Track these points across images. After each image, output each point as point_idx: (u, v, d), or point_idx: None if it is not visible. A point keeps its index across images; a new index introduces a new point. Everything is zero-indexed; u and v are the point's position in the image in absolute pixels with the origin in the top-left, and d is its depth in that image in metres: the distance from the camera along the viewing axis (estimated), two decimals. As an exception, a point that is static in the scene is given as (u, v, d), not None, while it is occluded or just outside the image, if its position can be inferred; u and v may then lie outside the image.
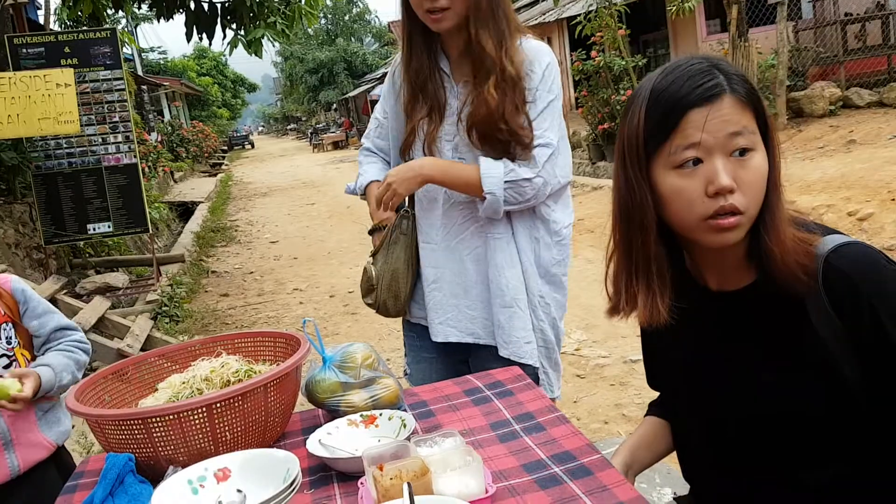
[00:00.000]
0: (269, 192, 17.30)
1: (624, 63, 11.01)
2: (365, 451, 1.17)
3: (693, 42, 14.47)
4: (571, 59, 12.74)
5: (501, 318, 1.90)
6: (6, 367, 1.79)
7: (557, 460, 1.24)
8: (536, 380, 1.94)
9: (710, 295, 1.23)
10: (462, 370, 1.93)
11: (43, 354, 1.90)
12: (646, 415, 1.51)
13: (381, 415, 1.42)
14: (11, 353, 1.82)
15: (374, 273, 1.99)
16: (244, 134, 49.86)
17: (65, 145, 6.36)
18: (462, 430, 1.40)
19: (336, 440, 1.37)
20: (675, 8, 10.51)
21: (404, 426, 1.36)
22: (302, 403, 1.55)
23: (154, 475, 1.32)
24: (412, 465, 1.11)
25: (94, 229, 6.61)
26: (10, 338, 1.82)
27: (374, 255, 2.02)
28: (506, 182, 1.79)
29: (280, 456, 1.24)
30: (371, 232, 2.07)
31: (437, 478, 1.10)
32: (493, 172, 1.80)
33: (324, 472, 1.31)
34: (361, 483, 1.19)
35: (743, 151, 1.08)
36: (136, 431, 1.32)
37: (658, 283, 1.19)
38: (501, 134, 1.81)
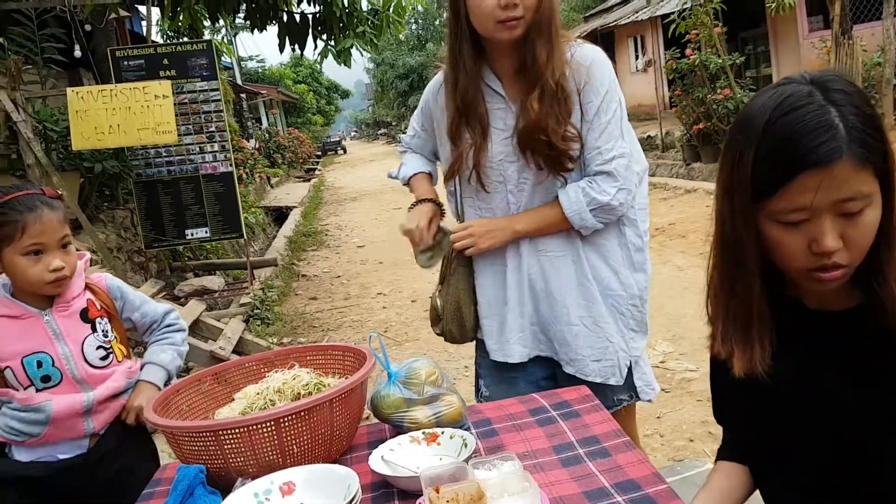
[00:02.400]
0: (358, 197, 17.66)
1: (720, 61, 10.64)
2: (423, 471, 1.18)
3: (794, 40, 13.84)
4: (665, 58, 12.43)
5: (567, 336, 1.89)
6: (103, 358, 1.89)
7: (621, 489, 1.21)
8: (609, 396, 1.91)
9: (808, 313, 1.18)
10: (547, 387, 1.91)
11: (148, 340, 2.06)
12: (716, 460, 1.43)
13: (443, 433, 1.42)
14: (109, 346, 1.92)
15: (439, 304, 2.03)
16: (337, 139, 51.05)
17: (164, 154, 6.68)
18: (524, 451, 1.38)
19: (398, 457, 1.38)
20: (774, 4, 10.08)
21: (465, 445, 1.36)
22: (370, 416, 1.57)
23: (225, 486, 1.36)
24: (468, 488, 1.10)
25: (192, 234, 6.91)
26: (107, 331, 1.92)
27: (439, 284, 2.05)
28: (591, 210, 1.81)
29: (341, 472, 1.26)
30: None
31: (493, 503, 1.09)
32: (575, 207, 1.81)
33: (386, 489, 1.32)
34: (420, 503, 1.19)
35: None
36: (209, 443, 1.37)
37: (758, 335, 1.14)
38: (543, 146, 1.79)
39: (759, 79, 15.29)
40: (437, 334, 2.07)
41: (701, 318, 1.26)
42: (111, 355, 1.92)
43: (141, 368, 2.00)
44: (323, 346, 1.79)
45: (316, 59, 8.00)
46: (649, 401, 1.98)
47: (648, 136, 14.15)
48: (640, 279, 1.92)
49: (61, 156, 6.03)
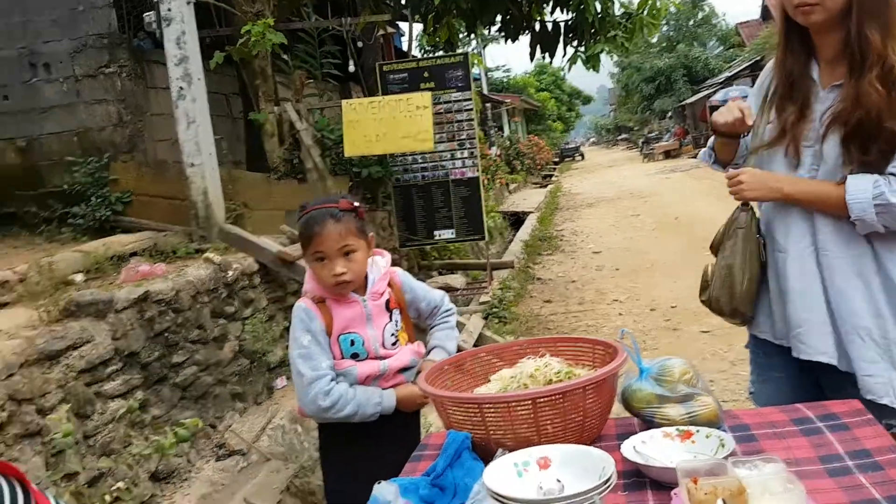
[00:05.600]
0: (594, 203, 17.55)
1: None
2: (680, 462, 1.20)
3: None
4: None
5: (844, 340, 1.79)
6: (393, 344, 2.14)
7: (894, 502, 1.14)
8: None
9: None
10: (815, 394, 1.83)
11: (430, 327, 2.29)
12: None
13: (697, 431, 1.42)
14: (396, 334, 2.16)
15: (709, 270, 2.00)
16: (575, 146, 50.98)
17: (420, 160, 7.19)
18: (786, 458, 1.34)
19: (650, 449, 1.41)
20: None
21: (722, 446, 1.35)
22: (617, 411, 1.62)
23: (484, 455, 1.48)
24: (728, 483, 1.11)
25: (440, 235, 7.37)
26: (398, 321, 2.17)
27: (714, 250, 2.03)
28: (876, 205, 1.69)
29: (597, 454, 1.32)
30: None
31: (754, 500, 1.08)
32: (860, 196, 1.71)
33: (638, 478, 1.36)
34: (675, 493, 1.21)
35: None
36: (473, 414, 1.51)
37: None
38: (875, 134, 1.70)
39: None
40: (703, 302, 2.03)
41: None
42: (398, 343, 2.17)
43: (428, 350, 2.24)
44: (573, 338, 1.87)
45: (563, 66, 8.13)
46: None
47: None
48: None
49: (334, 161, 6.75)
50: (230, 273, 4.82)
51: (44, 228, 5.96)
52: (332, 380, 2.02)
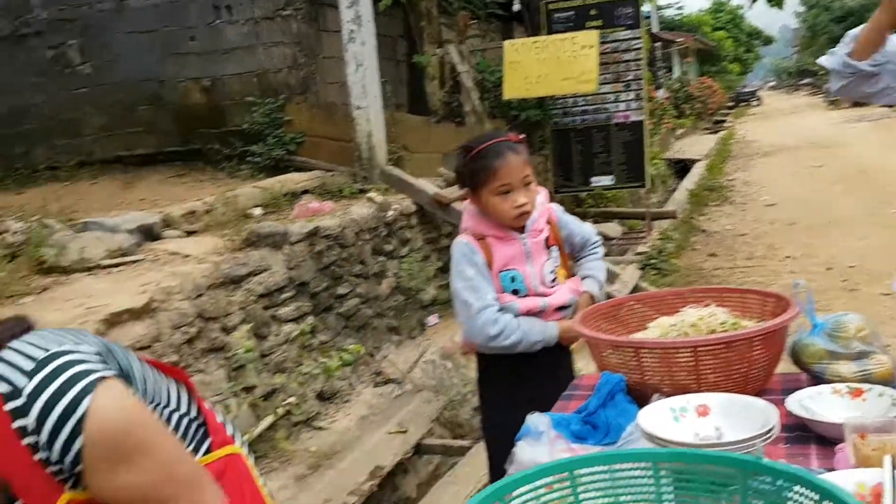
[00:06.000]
0: (771, 152, 16.36)
1: None
2: (847, 418, 1.15)
3: None
4: None
5: None
6: (552, 281, 2.16)
7: None
8: None
9: None
10: None
11: (578, 259, 2.32)
12: None
13: (869, 389, 1.35)
14: (555, 271, 2.18)
15: None
16: (752, 90, 47.44)
17: (581, 103, 7.01)
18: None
19: (817, 405, 1.35)
20: None
21: (895, 405, 1.27)
22: (784, 366, 1.55)
23: (638, 399, 1.48)
24: (900, 443, 1.05)
25: (597, 182, 7.19)
26: (556, 258, 2.20)
27: None
28: None
29: (760, 405, 1.27)
30: None
31: (929, 464, 1.02)
32: None
33: (802, 433, 1.31)
34: (839, 449, 1.17)
35: None
36: (629, 358, 1.51)
37: None
38: None
39: None
40: None
41: None
42: (557, 280, 2.18)
43: (582, 279, 2.26)
44: (741, 289, 1.80)
45: (743, 4, 7.58)
46: None
47: None
48: None
49: (493, 104, 6.74)
50: (390, 213, 5.01)
51: (225, 165, 6.45)
52: (497, 310, 2.06)
